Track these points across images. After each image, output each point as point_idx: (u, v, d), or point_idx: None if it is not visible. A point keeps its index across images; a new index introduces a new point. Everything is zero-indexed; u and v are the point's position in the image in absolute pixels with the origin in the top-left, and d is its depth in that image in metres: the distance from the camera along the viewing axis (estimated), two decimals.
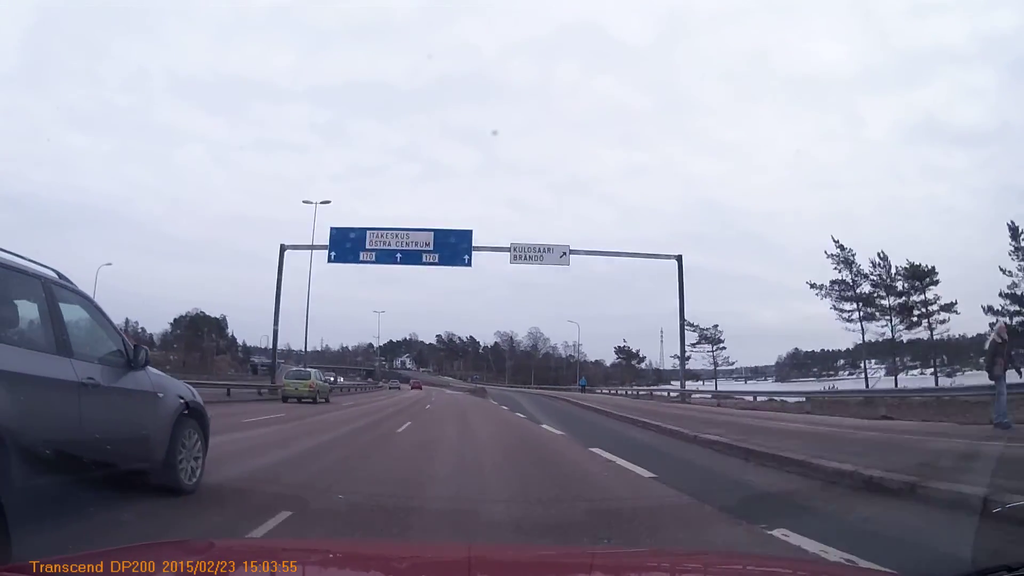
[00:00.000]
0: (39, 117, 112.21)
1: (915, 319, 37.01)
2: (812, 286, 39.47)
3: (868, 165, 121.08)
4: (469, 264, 33.86)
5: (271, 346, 38.00)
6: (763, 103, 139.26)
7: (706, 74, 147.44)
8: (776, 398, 34.10)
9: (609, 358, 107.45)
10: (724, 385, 65.07)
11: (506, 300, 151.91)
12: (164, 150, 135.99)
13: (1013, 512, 4.48)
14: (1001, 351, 12.56)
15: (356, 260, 33.97)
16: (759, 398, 34.62)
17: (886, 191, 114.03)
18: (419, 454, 10.50)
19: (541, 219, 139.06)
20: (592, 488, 7.55)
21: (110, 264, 55.10)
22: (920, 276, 36.17)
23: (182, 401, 5.87)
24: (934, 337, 36.41)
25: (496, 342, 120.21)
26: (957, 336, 40.85)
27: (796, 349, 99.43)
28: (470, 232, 33.92)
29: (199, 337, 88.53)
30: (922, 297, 35.93)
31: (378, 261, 34.18)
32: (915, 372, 45.72)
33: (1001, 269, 36.05)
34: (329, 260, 34.10)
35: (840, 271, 39.18)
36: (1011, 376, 16.72)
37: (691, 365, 49.97)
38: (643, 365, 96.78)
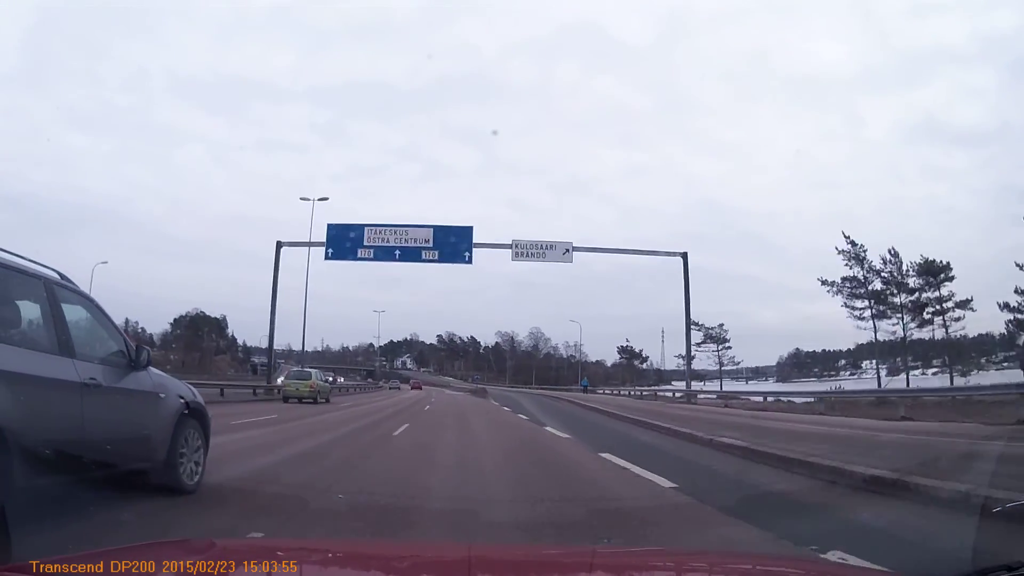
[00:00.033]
0: (39, 117, 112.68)
1: (927, 317, 36.04)
2: (823, 283, 38.64)
3: (868, 165, 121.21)
4: (470, 261, 33.09)
5: (266, 343, 37.16)
6: (763, 103, 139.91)
7: (706, 74, 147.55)
8: (782, 399, 33.46)
9: (610, 358, 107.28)
10: (727, 385, 64.12)
11: (507, 300, 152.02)
12: (164, 150, 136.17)
13: None
14: None
15: (354, 257, 33.17)
16: (757, 398, 33.85)
17: (886, 191, 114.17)
18: (415, 460, 9.74)
19: (541, 219, 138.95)
20: (607, 499, 6.80)
21: (105, 262, 53.96)
22: (934, 272, 35.14)
23: (183, 401, 5.86)
24: (950, 335, 35.51)
25: (497, 342, 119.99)
26: (979, 334, 40.05)
27: (797, 349, 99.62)
28: (470, 228, 33.22)
29: (199, 337, 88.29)
30: (936, 293, 35.02)
31: (376, 258, 33.38)
32: (916, 372, 45.03)
33: (1018, 264, 35.23)
34: (326, 257, 33.34)
35: (851, 267, 38.55)
36: None
37: (696, 365, 49.17)
38: (646, 365, 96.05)
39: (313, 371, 33.87)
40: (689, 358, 37.32)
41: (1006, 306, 36.26)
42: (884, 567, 3.56)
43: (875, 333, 36.07)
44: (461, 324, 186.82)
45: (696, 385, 50.29)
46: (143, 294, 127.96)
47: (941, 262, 35.32)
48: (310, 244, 34.96)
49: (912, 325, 35.98)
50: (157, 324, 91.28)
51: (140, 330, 78.37)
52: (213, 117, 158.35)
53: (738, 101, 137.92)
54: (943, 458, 7.98)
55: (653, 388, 60.55)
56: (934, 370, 40.71)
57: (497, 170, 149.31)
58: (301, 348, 49.06)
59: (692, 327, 37.39)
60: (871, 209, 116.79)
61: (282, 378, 37.70)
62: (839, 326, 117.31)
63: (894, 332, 36.36)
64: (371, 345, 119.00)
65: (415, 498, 6.49)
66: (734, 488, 7.42)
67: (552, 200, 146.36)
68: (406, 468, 8.61)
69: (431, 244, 32.70)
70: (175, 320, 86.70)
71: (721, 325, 70.55)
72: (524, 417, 22.27)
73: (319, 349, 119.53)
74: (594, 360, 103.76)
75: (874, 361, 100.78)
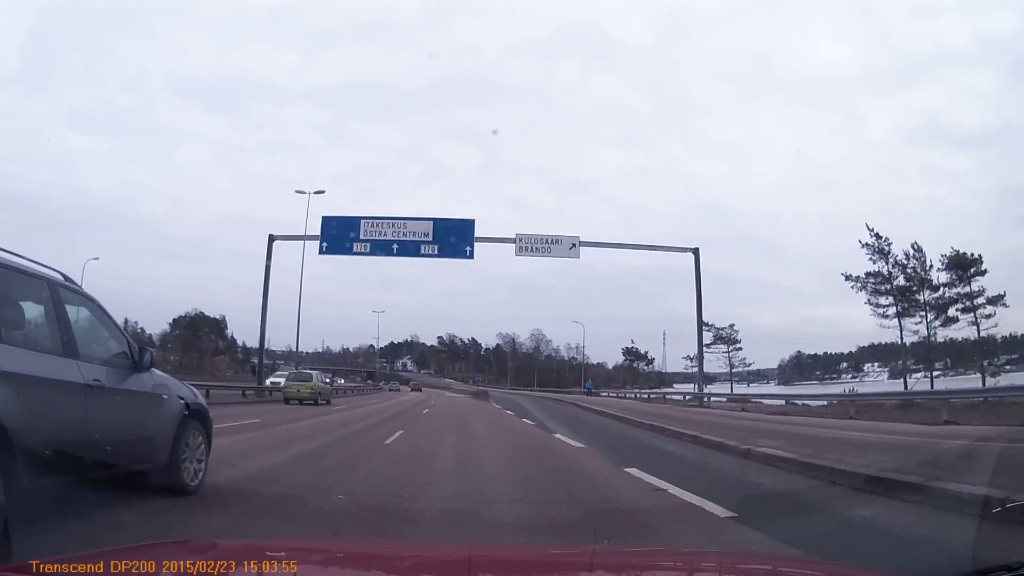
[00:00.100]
0: (39, 117, 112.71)
1: (952, 315, 34.28)
2: (847, 278, 36.48)
3: (869, 166, 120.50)
4: (471, 256, 31.33)
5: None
6: (764, 103, 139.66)
7: (707, 74, 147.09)
8: (797, 402, 31.95)
9: (611, 360, 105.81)
10: (723, 388, 62.14)
11: (508, 302, 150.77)
12: (164, 150, 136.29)
13: None
14: None
15: (349, 251, 31.42)
16: (775, 402, 32.28)
17: (888, 192, 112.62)
18: (404, 478, 8.15)
19: (542, 219, 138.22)
20: (652, 533, 5.29)
21: (96, 259, 52.49)
22: (965, 266, 33.29)
23: (183, 402, 5.83)
24: (980, 333, 33.74)
25: (498, 344, 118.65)
26: (980, 336, 38.45)
27: (799, 352, 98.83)
28: (472, 222, 31.40)
29: (198, 338, 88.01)
30: (966, 289, 33.23)
31: (373, 252, 31.62)
32: (919, 375, 43.74)
33: None
34: (320, 251, 31.65)
35: (875, 262, 36.18)
36: None
37: (704, 367, 47.20)
38: (652, 367, 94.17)
39: (314, 373, 33.37)
40: (701, 359, 35.55)
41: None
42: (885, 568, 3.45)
43: (900, 331, 34.33)
44: (462, 325, 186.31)
45: (707, 388, 48.78)
46: (143, 294, 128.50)
47: (972, 255, 33.65)
48: (305, 238, 33.29)
49: (936, 324, 34.30)
50: (156, 324, 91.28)
51: (139, 330, 78.19)
52: (213, 117, 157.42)
53: (739, 101, 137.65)
54: None
55: (661, 391, 58.96)
56: (937, 372, 39.26)
57: (498, 170, 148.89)
58: (296, 348, 47.48)
59: (702, 328, 35.53)
60: (872, 210, 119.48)
61: (271, 379, 36.76)
62: (840, 328, 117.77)
63: (916, 331, 34.64)
64: (371, 346, 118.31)
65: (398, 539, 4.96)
66: (820, 521, 5.78)
67: (553, 200, 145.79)
68: (390, 490, 6.97)
69: (430, 238, 30.96)
70: (174, 320, 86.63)
71: (732, 325, 68.35)
72: (529, 422, 20.53)
73: (319, 350, 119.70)
74: (595, 362, 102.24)
75: (874, 364, 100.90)
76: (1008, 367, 43.91)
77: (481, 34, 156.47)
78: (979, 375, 35.13)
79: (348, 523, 5.42)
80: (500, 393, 67.35)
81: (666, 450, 11.89)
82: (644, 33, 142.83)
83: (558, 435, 14.93)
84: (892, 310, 34.12)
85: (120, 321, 6.58)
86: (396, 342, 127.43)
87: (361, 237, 31.03)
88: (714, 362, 63.84)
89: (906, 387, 33.32)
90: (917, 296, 33.86)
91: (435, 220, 31.49)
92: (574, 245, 32.05)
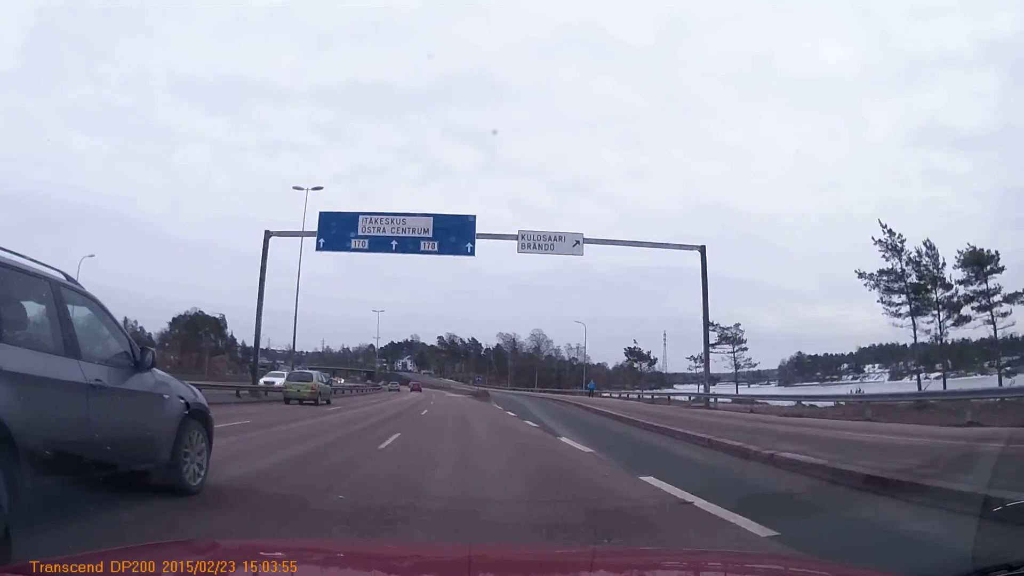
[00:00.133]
0: (40, 117, 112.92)
1: (964, 314, 33.33)
2: (860, 275, 35.43)
3: (870, 167, 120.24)
4: (472, 253, 30.50)
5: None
6: (765, 104, 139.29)
7: (707, 75, 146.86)
8: (804, 403, 31.16)
9: (611, 361, 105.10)
10: (728, 389, 61.19)
11: (508, 302, 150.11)
12: (164, 150, 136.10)
13: None
14: None
15: (347, 248, 30.60)
16: (783, 403, 31.49)
17: (888, 194, 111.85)
18: (399, 487, 7.38)
19: (542, 220, 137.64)
20: None
21: (92, 256, 51.73)
22: (982, 262, 32.38)
23: (183, 402, 5.81)
24: (996, 333, 32.82)
25: (498, 344, 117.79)
26: (980, 338, 37.60)
27: (799, 353, 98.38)
28: (473, 217, 30.58)
29: (197, 337, 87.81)
30: (982, 287, 32.25)
31: (371, 249, 30.77)
32: (920, 376, 42.89)
33: None
34: (317, 248, 30.86)
35: (888, 259, 35.01)
36: None
37: (710, 367, 46.27)
38: (655, 368, 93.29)
39: (314, 372, 32.96)
40: (707, 359, 34.70)
41: None
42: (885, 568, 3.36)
43: (914, 330, 33.35)
44: (462, 325, 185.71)
45: (713, 388, 47.80)
46: (143, 293, 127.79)
47: (989, 251, 32.58)
48: (303, 234, 32.54)
49: (948, 323, 33.39)
50: (156, 323, 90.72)
51: (139, 329, 77.86)
52: (214, 117, 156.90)
53: (739, 102, 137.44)
54: None
55: (666, 391, 58.18)
56: (936, 374, 38.59)
57: (498, 170, 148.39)
58: (293, 347, 46.67)
59: (708, 327, 34.70)
60: (872, 211, 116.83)
61: (264, 379, 36.15)
62: (840, 329, 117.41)
63: (928, 331, 33.72)
64: (371, 346, 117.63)
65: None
66: (871, 536, 4.99)
67: (553, 201, 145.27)
68: (381, 502, 6.18)
69: (430, 234, 30.13)
70: (174, 319, 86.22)
71: (737, 325, 67.13)
72: (532, 424, 19.68)
73: (319, 350, 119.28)
74: (595, 363, 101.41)
75: (874, 365, 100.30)
76: (1008, 368, 43.53)
77: (481, 34, 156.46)
78: (979, 376, 34.45)
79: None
80: (500, 393, 66.51)
81: (680, 455, 11.07)
82: (644, 33, 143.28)
83: (563, 438, 14.11)
84: (905, 308, 33.16)
85: (120, 320, 6.23)
86: (396, 342, 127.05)
87: (359, 233, 30.21)
88: (719, 362, 62.85)
89: (920, 388, 32.40)
90: (930, 294, 32.86)
91: (435, 216, 30.68)
92: (578, 242, 31.25)
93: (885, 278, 33.36)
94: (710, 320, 34.93)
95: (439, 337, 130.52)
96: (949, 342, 36.31)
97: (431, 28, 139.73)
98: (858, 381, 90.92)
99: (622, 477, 8.42)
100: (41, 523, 3.82)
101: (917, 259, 33.17)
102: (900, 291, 33.01)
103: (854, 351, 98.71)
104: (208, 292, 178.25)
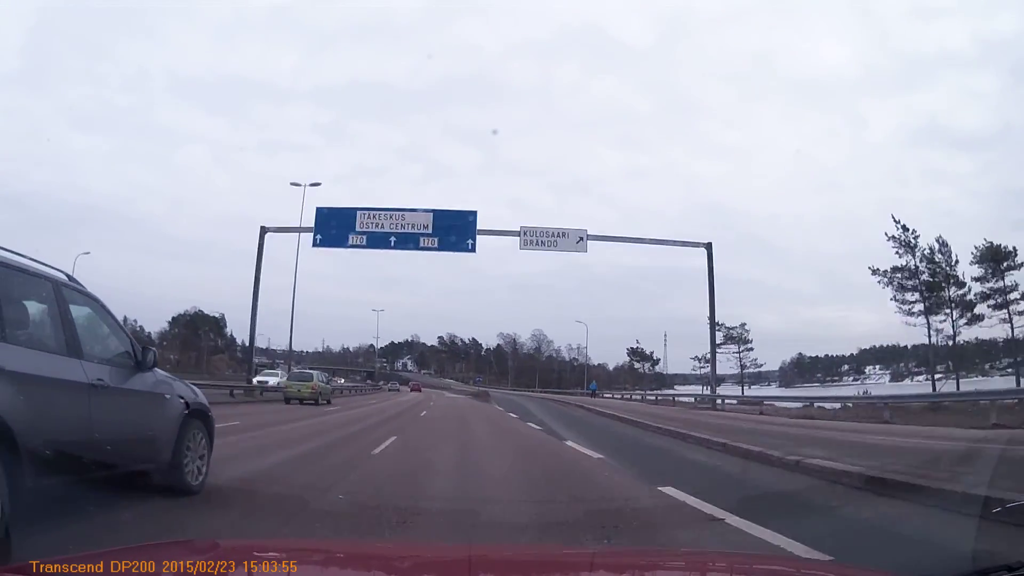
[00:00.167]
0: (40, 117, 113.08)
1: (978, 313, 32.41)
2: (874, 272, 34.38)
3: (870, 168, 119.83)
4: (473, 250, 29.71)
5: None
6: (765, 105, 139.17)
7: (707, 75, 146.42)
8: (814, 404, 30.39)
9: (612, 361, 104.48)
10: (728, 390, 60.31)
11: (509, 302, 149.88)
12: (165, 150, 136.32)
13: None
14: None
15: (344, 244, 29.79)
16: (791, 404, 30.66)
17: (888, 194, 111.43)
18: (392, 492, 6.62)
19: (543, 220, 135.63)
20: None
21: (88, 253, 51.10)
22: (999, 258, 31.41)
23: (183, 401, 5.79)
24: (1014, 331, 31.82)
25: (499, 344, 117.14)
26: (979, 339, 36.69)
27: (800, 354, 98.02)
28: (474, 213, 29.78)
29: (197, 336, 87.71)
30: (999, 283, 31.23)
31: (369, 245, 29.97)
32: (921, 377, 41.93)
33: None
34: (314, 244, 30.05)
35: (901, 255, 33.81)
36: None
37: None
38: (657, 368, 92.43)
39: (315, 372, 32.72)
40: (714, 359, 33.84)
41: None
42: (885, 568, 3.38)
43: (928, 328, 32.34)
44: (462, 326, 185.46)
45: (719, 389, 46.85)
46: (143, 293, 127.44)
47: (1007, 247, 31.51)
48: (300, 230, 31.78)
49: (961, 322, 32.47)
50: (155, 322, 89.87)
51: (139, 328, 77.39)
52: (214, 117, 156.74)
53: (740, 102, 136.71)
54: None
55: (669, 392, 57.39)
56: (938, 375, 37.85)
57: (498, 170, 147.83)
58: (290, 346, 45.92)
59: (715, 327, 33.85)
60: (872, 212, 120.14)
61: (257, 379, 35.56)
62: (841, 331, 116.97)
63: (940, 330, 32.80)
64: (371, 346, 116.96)
65: None
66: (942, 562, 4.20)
67: (553, 201, 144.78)
68: (364, 525, 5.42)
69: (430, 231, 29.34)
70: (173, 319, 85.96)
71: (743, 325, 66.20)
72: (536, 427, 18.87)
73: (319, 350, 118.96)
74: (595, 363, 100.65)
75: (875, 367, 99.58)
76: (1010, 370, 42.74)
77: (481, 34, 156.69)
78: (980, 377, 33.64)
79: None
80: (501, 394, 65.74)
81: (697, 461, 10.27)
82: (645, 34, 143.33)
83: (569, 442, 13.31)
84: (918, 307, 32.24)
85: (119, 319, 6.08)
86: (396, 342, 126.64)
87: (357, 229, 29.43)
88: (723, 363, 61.91)
89: (934, 389, 31.53)
90: (943, 292, 31.93)
91: (435, 212, 29.89)
92: (581, 239, 30.45)
93: (899, 275, 32.46)
94: (719, 321, 34.08)
95: (439, 337, 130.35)
96: (961, 342, 35.46)
97: (431, 28, 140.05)
98: (859, 382, 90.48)
99: (638, 487, 7.63)
100: (41, 523, 3.81)
101: (930, 255, 32.31)
102: (914, 288, 32.11)
103: (854, 352, 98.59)
104: (208, 292, 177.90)
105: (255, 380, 34.22)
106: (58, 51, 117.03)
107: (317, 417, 19.54)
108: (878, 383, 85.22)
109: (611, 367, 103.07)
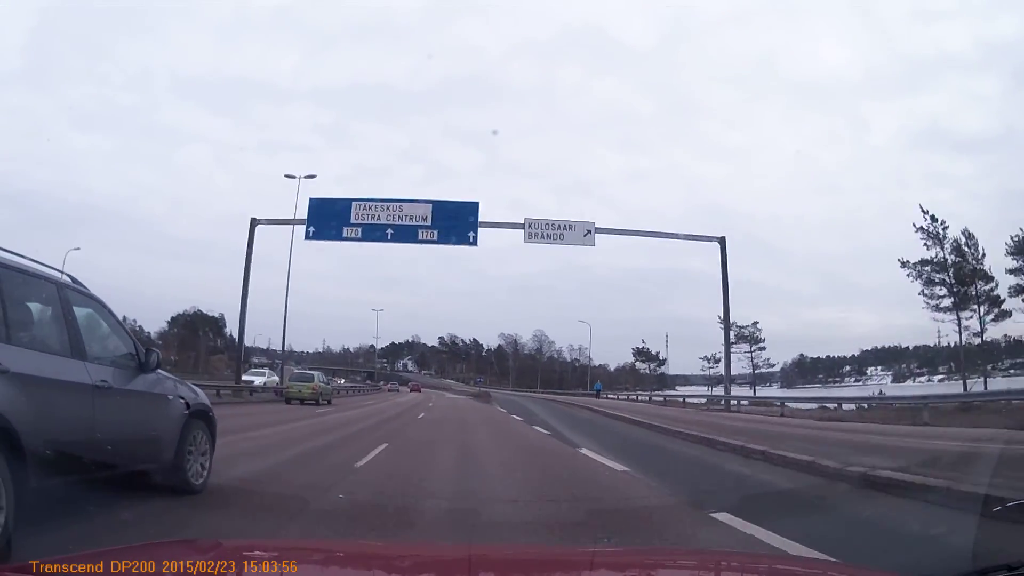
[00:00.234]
0: (41, 116, 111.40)
1: (1004, 309, 30.79)
2: (903, 264, 32.70)
3: (871, 170, 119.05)
4: (474, 243, 28.18)
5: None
6: (766, 107, 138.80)
7: (709, 77, 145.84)
8: (828, 405, 29.00)
9: (613, 362, 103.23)
10: (736, 391, 58.82)
11: (509, 302, 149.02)
12: (166, 150, 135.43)
13: None
14: None
15: (339, 236, 28.30)
16: (806, 405, 29.23)
17: (889, 197, 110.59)
18: (376, 508, 5.17)
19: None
20: None
21: (78, 249, 49.61)
22: None
23: (183, 402, 5.79)
24: None
25: (500, 344, 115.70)
26: (987, 340, 35.25)
27: (801, 355, 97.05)
28: (475, 204, 28.33)
29: (196, 336, 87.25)
30: None
31: (365, 238, 28.50)
32: (923, 379, 40.61)
33: None
34: (307, 236, 28.59)
35: (930, 248, 32.11)
36: None
37: (721, 368, 43.83)
38: (663, 369, 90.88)
39: (315, 373, 32.61)
40: (728, 359, 32.33)
41: None
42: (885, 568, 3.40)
43: (959, 324, 30.76)
44: (463, 326, 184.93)
45: (719, 389, 45.45)
46: (143, 293, 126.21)
47: None
48: (293, 222, 30.31)
49: (988, 318, 30.91)
50: (155, 322, 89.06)
51: (138, 328, 76.15)
52: (215, 117, 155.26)
53: (741, 104, 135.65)
54: None
55: (677, 393, 55.97)
56: (940, 376, 36.53)
57: (499, 171, 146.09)
58: (283, 344, 44.88)
59: (729, 325, 32.35)
60: (873, 214, 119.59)
61: (245, 378, 34.70)
62: (842, 332, 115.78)
63: (966, 327, 31.21)
64: (372, 347, 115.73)
65: None
66: None
67: (554, 202, 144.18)
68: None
69: (429, 223, 27.84)
70: (172, 319, 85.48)
71: (755, 323, 64.43)
72: (543, 431, 17.26)
73: (319, 350, 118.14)
74: (597, 364, 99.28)
75: (877, 368, 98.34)
76: (1012, 371, 41.86)
77: (482, 35, 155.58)
78: (982, 378, 32.36)
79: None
80: (502, 395, 64.26)
81: (742, 475, 8.70)
82: (646, 35, 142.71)
83: (584, 450, 11.80)
84: (947, 302, 30.67)
85: (119, 318, 5.78)
86: (397, 342, 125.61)
87: (352, 221, 27.94)
88: (734, 363, 60.41)
89: (965, 388, 30.03)
90: (972, 287, 30.42)
91: (434, 203, 28.40)
92: (589, 232, 28.93)
93: (928, 268, 30.92)
94: (732, 320, 32.55)
95: (440, 338, 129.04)
96: (981, 340, 33.97)
97: (432, 29, 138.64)
98: (861, 383, 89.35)
99: (683, 512, 6.12)
100: (41, 523, 3.82)
101: (959, 245, 30.72)
102: (942, 283, 30.60)
103: (856, 353, 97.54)
104: (207, 292, 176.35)
105: (243, 378, 33.24)
106: (59, 51, 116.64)
107: (308, 419, 18.08)
108: (880, 383, 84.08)
109: (612, 368, 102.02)
